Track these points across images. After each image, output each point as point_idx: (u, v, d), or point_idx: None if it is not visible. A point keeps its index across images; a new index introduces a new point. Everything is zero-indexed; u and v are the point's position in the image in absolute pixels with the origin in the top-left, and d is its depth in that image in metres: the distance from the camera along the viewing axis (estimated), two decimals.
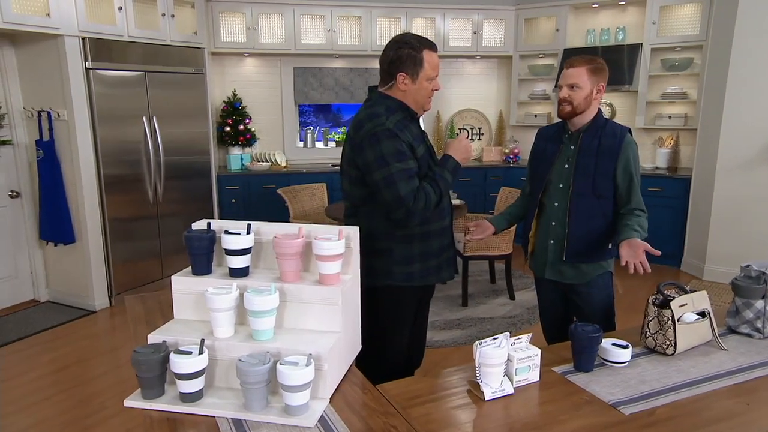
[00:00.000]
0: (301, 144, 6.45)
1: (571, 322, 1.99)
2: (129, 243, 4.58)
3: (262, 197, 5.64)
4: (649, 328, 1.90)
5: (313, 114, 7.05)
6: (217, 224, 1.77)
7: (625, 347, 1.79)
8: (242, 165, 5.83)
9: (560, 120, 2.33)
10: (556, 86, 2.18)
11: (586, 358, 1.75)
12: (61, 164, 4.26)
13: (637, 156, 2.24)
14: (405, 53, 2.06)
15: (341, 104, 6.79)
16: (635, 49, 5.51)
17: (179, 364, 1.47)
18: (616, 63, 5.50)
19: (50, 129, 4.21)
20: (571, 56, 2.26)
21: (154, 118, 4.64)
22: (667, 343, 1.84)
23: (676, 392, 1.63)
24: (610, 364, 1.79)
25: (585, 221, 2.24)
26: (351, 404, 1.55)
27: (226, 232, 1.69)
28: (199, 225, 1.79)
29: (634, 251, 1.98)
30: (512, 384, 1.65)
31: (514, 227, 3.76)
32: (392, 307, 2.19)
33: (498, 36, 6.24)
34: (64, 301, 4.55)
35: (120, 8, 4.32)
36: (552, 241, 2.32)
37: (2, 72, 4.24)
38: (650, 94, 5.59)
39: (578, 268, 2.29)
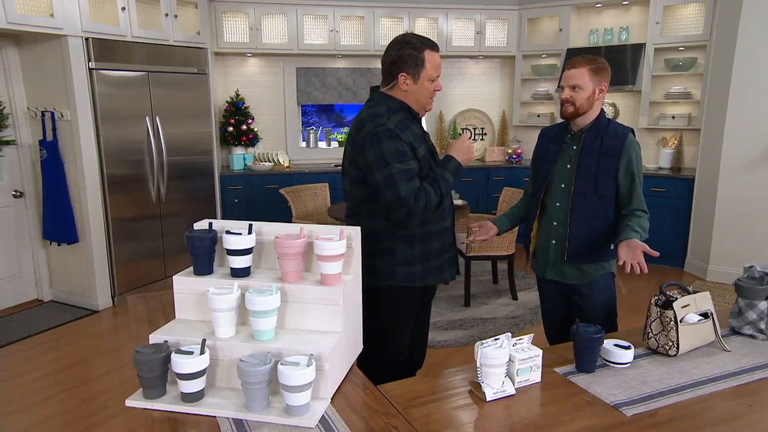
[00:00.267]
0: (303, 144, 6.45)
1: (573, 323, 1.99)
2: (132, 243, 4.59)
3: (264, 197, 5.64)
4: (651, 329, 1.89)
5: (316, 114, 7.05)
6: (218, 224, 1.77)
7: (627, 348, 1.79)
8: (245, 165, 5.84)
9: (563, 120, 2.32)
10: (558, 87, 2.17)
11: (588, 359, 1.75)
12: (64, 164, 4.27)
13: (640, 156, 2.23)
14: (406, 53, 2.05)
15: (344, 104, 6.79)
16: (638, 49, 5.50)
17: (180, 364, 1.47)
18: (619, 63, 5.48)
19: (53, 129, 4.22)
20: (574, 56, 2.25)
21: (157, 118, 4.65)
22: (670, 344, 1.83)
23: (679, 393, 1.63)
24: (612, 365, 1.78)
25: (587, 221, 2.23)
26: (352, 404, 1.55)
27: (228, 232, 1.69)
28: (201, 225, 1.79)
29: (633, 252, 1.97)
30: (514, 385, 1.64)
31: (516, 227, 3.75)
32: (393, 308, 2.19)
33: (501, 36, 6.24)
34: (68, 300, 4.56)
35: (123, 8, 4.33)
36: (554, 242, 2.32)
37: (6, 72, 4.26)
38: (654, 94, 5.57)
39: (580, 268, 2.28)
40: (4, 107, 4.23)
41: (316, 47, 5.81)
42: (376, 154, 1.99)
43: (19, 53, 4.30)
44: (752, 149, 4.62)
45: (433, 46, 2.10)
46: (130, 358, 1.51)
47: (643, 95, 5.54)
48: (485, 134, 6.80)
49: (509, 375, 1.66)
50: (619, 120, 5.77)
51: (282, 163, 5.93)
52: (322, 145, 6.56)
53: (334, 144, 6.60)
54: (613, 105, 5.96)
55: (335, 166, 5.97)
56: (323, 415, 1.48)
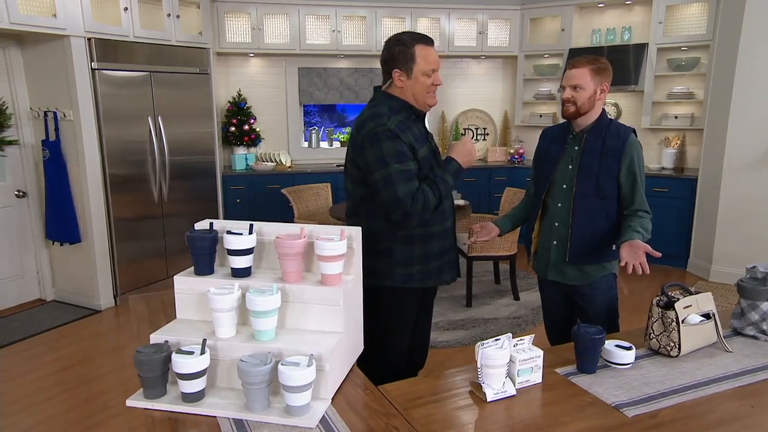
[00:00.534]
0: (305, 144, 6.45)
1: (574, 324, 1.98)
2: (134, 243, 4.59)
3: (266, 197, 5.65)
4: (653, 330, 1.88)
5: (318, 114, 7.05)
6: (219, 224, 1.77)
7: (629, 349, 1.78)
8: (247, 165, 5.85)
9: (564, 120, 2.32)
10: (560, 87, 2.16)
11: (589, 360, 1.75)
12: (67, 164, 4.28)
13: (642, 157, 2.23)
14: (396, 50, 2.08)
15: (346, 104, 6.79)
16: (641, 48, 5.48)
17: (181, 364, 1.47)
18: (621, 63, 5.47)
19: (56, 129, 4.23)
20: (576, 56, 2.25)
21: (159, 118, 4.66)
22: (671, 344, 1.83)
23: (680, 394, 1.62)
24: (613, 365, 1.78)
25: (588, 222, 2.23)
26: (352, 405, 1.55)
27: (229, 232, 1.69)
28: (202, 225, 1.79)
29: (635, 252, 1.96)
30: (514, 385, 1.64)
31: (518, 228, 3.75)
32: (393, 308, 2.19)
33: (503, 36, 6.23)
34: (70, 300, 4.57)
35: (126, 9, 4.33)
36: (555, 242, 2.31)
37: (9, 72, 4.27)
38: (656, 94, 5.56)
39: (581, 269, 2.28)
40: (7, 107, 4.24)
41: (318, 47, 5.81)
42: (376, 154, 2.00)
43: (21, 53, 4.31)
44: (755, 149, 4.61)
45: (425, 40, 2.10)
46: (132, 358, 1.52)
47: (646, 95, 5.53)
48: (487, 134, 6.80)
49: (510, 375, 1.65)
50: (621, 120, 5.79)
51: (284, 163, 5.94)
52: (324, 145, 6.56)
53: (336, 144, 6.61)
54: (616, 105, 5.95)
55: (337, 166, 5.98)
56: (324, 416, 1.48)
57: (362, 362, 1.84)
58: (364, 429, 1.44)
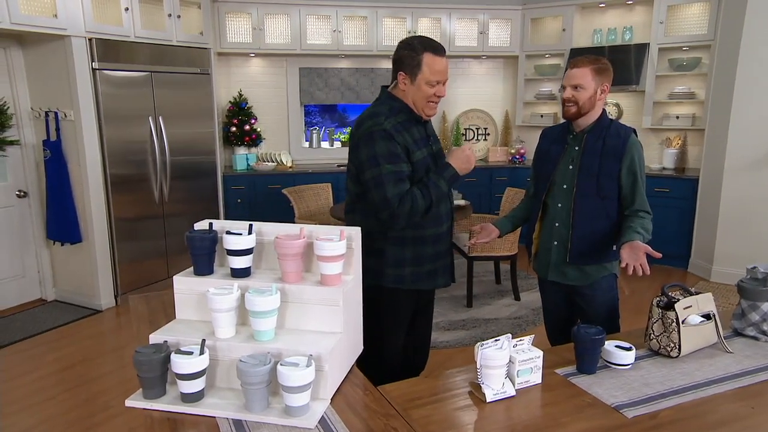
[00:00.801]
0: (306, 144, 6.45)
1: (574, 324, 1.98)
2: (135, 243, 4.60)
3: (267, 197, 5.65)
4: (653, 330, 1.88)
5: (319, 114, 7.05)
6: (219, 224, 1.77)
7: (629, 349, 1.78)
8: (248, 165, 5.85)
9: (564, 120, 2.31)
10: (561, 87, 2.16)
11: (589, 360, 1.74)
12: (67, 164, 4.28)
13: (642, 157, 2.22)
14: (405, 54, 2.08)
15: (347, 104, 6.78)
16: (642, 48, 5.48)
17: (180, 364, 1.47)
18: (623, 63, 5.47)
19: (57, 129, 4.23)
20: (577, 56, 2.25)
21: (160, 118, 4.66)
22: (672, 345, 1.82)
23: (680, 395, 1.62)
24: (613, 366, 1.78)
25: (589, 222, 2.23)
26: (352, 405, 1.55)
27: (228, 232, 1.69)
28: (201, 225, 1.79)
29: (635, 253, 1.96)
30: (514, 386, 1.64)
31: (519, 228, 3.75)
32: (385, 308, 2.19)
33: (504, 36, 6.22)
34: (71, 300, 4.58)
35: (126, 9, 4.34)
36: (555, 243, 2.31)
37: (10, 72, 4.27)
38: (657, 94, 5.55)
39: (582, 269, 2.27)
40: (8, 107, 4.25)
41: (319, 47, 5.81)
42: (369, 153, 2.02)
43: (23, 53, 4.31)
44: (757, 149, 4.60)
45: (435, 50, 2.07)
46: (132, 358, 1.52)
47: (647, 95, 5.52)
48: (488, 134, 6.79)
49: (509, 376, 1.65)
50: (622, 120, 5.78)
51: (285, 163, 5.94)
52: (325, 145, 6.56)
53: (337, 144, 6.61)
54: (617, 105, 5.94)
55: (338, 166, 5.98)
56: (323, 416, 1.48)
57: (361, 363, 1.84)
58: (363, 429, 1.44)
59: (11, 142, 4.29)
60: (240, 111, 5.88)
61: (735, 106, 4.64)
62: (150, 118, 4.60)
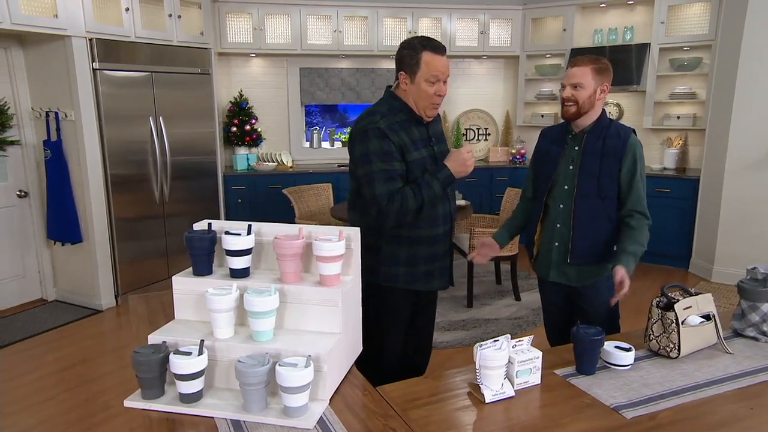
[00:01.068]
0: (307, 144, 6.46)
1: (574, 324, 1.98)
2: (135, 243, 4.60)
3: (268, 197, 5.65)
4: (652, 331, 1.88)
5: (320, 114, 7.05)
6: (218, 225, 1.77)
7: (628, 350, 1.78)
8: (248, 165, 5.85)
9: (564, 120, 2.31)
10: (561, 87, 2.16)
11: (588, 361, 1.74)
12: (68, 164, 4.29)
13: (642, 157, 2.22)
14: (405, 53, 2.10)
15: (347, 104, 6.78)
16: (643, 48, 5.47)
17: (179, 364, 1.47)
18: (623, 63, 5.46)
19: (58, 129, 4.24)
20: (578, 56, 2.24)
21: (160, 118, 4.66)
22: (671, 346, 1.82)
23: (680, 396, 1.62)
24: (612, 367, 1.77)
25: (590, 223, 2.22)
26: (350, 406, 1.55)
27: (227, 232, 1.69)
28: (201, 225, 1.79)
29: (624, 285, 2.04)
30: (513, 386, 1.64)
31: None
32: (383, 308, 2.19)
33: (505, 36, 6.22)
34: (71, 300, 4.58)
35: (127, 9, 4.34)
36: (557, 243, 2.30)
37: (10, 72, 4.28)
38: (658, 94, 5.54)
39: (583, 270, 2.27)
40: (9, 107, 4.25)
41: (320, 47, 5.81)
42: (362, 150, 2.05)
43: (23, 54, 4.32)
44: (758, 149, 4.59)
45: (435, 48, 2.07)
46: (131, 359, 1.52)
47: (648, 95, 5.51)
48: (489, 134, 6.79)
49: (509, 377, 1.65)
50: (623, 120, 5.78)
51: (285, 163, 5.94)
52: (325, 145, 6.56)
53: (338, 144, 6.60)
54: (618, 105, 5.94)
55: (339, 166, 5.98)
56: (321, 417, 1.47)
57: (360, 363, 1.84)
58: (362, 430, 1.44)
59: (12, 142, 4.29)
60: (240, 111, 5.88)
61: (736, 106, 4.63)
62: (150, 118, 4.60)
